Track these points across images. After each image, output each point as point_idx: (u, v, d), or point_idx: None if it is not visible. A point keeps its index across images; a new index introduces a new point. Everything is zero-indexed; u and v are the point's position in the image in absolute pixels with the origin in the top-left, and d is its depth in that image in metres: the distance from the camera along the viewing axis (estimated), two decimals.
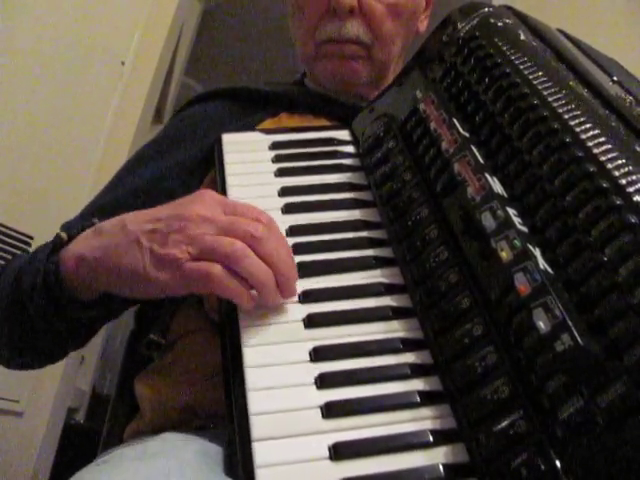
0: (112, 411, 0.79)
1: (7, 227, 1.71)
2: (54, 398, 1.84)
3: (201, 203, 0.53)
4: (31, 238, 1.72)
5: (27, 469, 1.78)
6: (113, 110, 2.04)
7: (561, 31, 0.65)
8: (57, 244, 0.61)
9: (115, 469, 0.47)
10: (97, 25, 2.03)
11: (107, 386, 2.74)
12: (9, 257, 1.64)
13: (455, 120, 0.59)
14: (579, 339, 0.41)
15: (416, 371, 0.49)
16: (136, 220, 0.55)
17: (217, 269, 0.49)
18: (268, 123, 0.79)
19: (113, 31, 2.07)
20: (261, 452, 0.44)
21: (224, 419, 0.60)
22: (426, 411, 0.47)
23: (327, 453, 0.44)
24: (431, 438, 0.45)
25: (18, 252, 1.60)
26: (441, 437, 0.45)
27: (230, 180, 0.65)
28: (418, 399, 0.47)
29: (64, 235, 0.61)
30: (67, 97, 1.93)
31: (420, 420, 0.46)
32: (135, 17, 2.13)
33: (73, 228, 0.62)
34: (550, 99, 0.53)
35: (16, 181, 1.77)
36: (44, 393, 1.82)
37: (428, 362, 0.50)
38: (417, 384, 0.48)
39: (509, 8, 0.66)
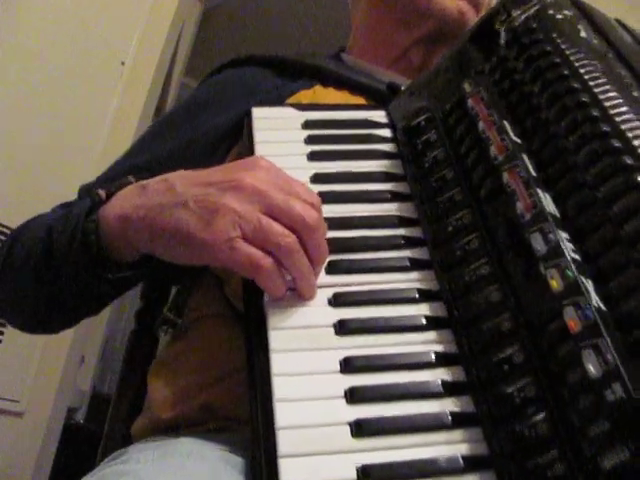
0: (112, 411, 0.79)
1: (7, 227, 1.71)
2: (54, 398, 1.85)
3: (257, 171, 0.51)
4: None
5: (27, 469, 1.78)
6: (113, 110, 2.04)
7: (619, 22, 0.60)
8: (96, 202, 0.58)
9: (142, 471, 0.47)
10: (97, 25, 2.03)
11: (107, 386, 2.74)
12: None
13: (506, 123, 0.54)
14: (632, 392, 0.38)
15: (449, 390, 0.47)
16: (185, 182, 0.52)
17: (268, 263, 0.48)
18: (302, 95, 0.75)
19: (113, 31, 2.07)
20: (287, 469, 0.42)
21: (240, 422, 0.60)
22: (458, 434, 0.45)
23: (355, 475, 0.42)
24: (462, 463, 0.43)
25: None
26: (472, 463, 0.43)
27: None
28: (450, 421, 0.45)
29: (102, 193, 0.58)
30: (67, 97, 1.93)
31: (452, 444, 0.44)
32: (135, 17, 2.13)
33: (105, 185, 0.59)
34: (612, 112, 0.48)
35: (16, 181, 1.77)
36: (44, 393, 1.83)
37: (462, 380, 0.47)
38: (449, 404, 0.46)
39: None
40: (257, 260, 0.48)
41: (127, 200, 0.55)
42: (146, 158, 0.72)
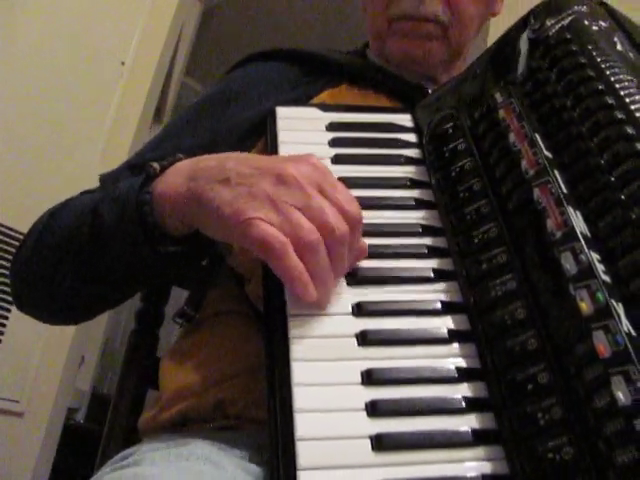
0: (112, 411, 0.79)
1: (7, 227, 1.71)
2: (54, 398, 1.85)
3: (303, 165, 0.51)
4: None
5: (27, 469, 1.78)
6: (113, 110, 2.04)
7: None
8: (150, 175, 0.58)
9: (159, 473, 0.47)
10: (97, 25, 2.03)
11: (107, 386, 2.75)
12: (9, 257, 1.64)
13: (538, 137, 0.53)
14: None
15: (472, 406, 0.46)
16: (236, 162, 0.52)
17: (281, 242, 0.46)
18: (327, 94, 0.75)
19: (113, 31, 2.07)
20: None
21: (252, 422, 0.60)
22: (480, 452, 0.44)
23: None
24: None
25: None
26: None
27: None
28: (471, 439, 0.45)
29: (156, 166, 0.58)
30: (67, 97, 1.93)
31: (472, 461, 0.44)
32: (135, 17, 2.13)
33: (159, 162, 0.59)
34: None
35: (16, 181, 1.78)
36: (44, 393, 1.83)
37: (484, 396, 0.47)
38: (471, 420, 0.46)
39: (602, 4, 0.58)
40: (271, 238, 0.46)
41: (180, 173, 0.55)
42: (171, 150, 0.71)
